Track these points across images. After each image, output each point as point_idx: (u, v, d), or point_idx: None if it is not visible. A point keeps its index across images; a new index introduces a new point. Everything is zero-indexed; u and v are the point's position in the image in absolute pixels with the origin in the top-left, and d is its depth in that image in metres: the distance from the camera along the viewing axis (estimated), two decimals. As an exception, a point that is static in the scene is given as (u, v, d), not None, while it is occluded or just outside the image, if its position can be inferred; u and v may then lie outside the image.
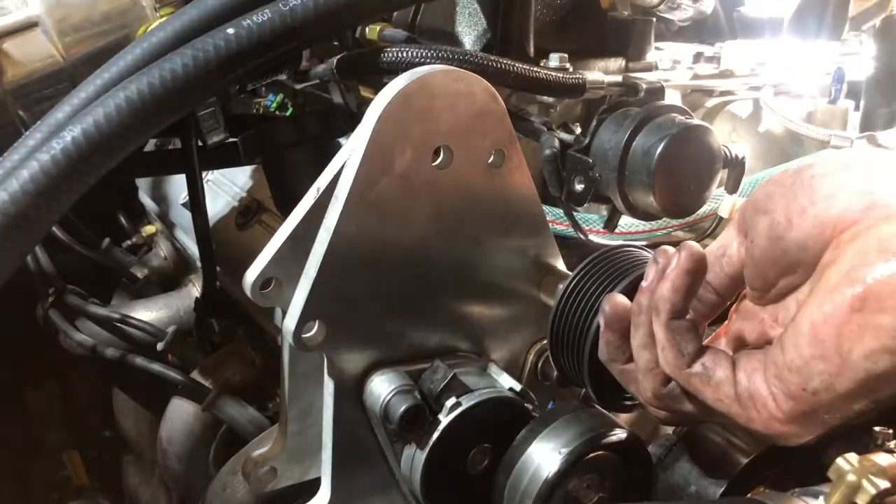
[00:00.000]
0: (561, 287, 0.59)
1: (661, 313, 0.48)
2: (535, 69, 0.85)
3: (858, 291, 0.40)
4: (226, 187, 1.16)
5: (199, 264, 1.09)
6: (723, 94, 1.09)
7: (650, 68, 1.01)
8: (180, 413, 1.08)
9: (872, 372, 0.40)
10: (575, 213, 0.85)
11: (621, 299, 0.52)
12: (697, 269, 0.48)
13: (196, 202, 0.93)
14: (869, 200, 0.43)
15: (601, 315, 0.53)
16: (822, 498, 0.50)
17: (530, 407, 0.60)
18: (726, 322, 0.55)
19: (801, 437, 0.46)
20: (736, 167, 0.87)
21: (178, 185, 1.27)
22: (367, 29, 0.87)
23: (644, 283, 0.50)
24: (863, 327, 0.40)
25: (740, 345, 0.52)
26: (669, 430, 0.65)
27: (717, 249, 0.51)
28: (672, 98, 0.97)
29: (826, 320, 0.41)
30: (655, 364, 0.49)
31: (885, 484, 0.45)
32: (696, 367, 0.47)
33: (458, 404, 0.55)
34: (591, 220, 0.91)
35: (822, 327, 0.41)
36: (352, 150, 0.53)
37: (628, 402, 0.60)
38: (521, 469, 0.55)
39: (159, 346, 1.10)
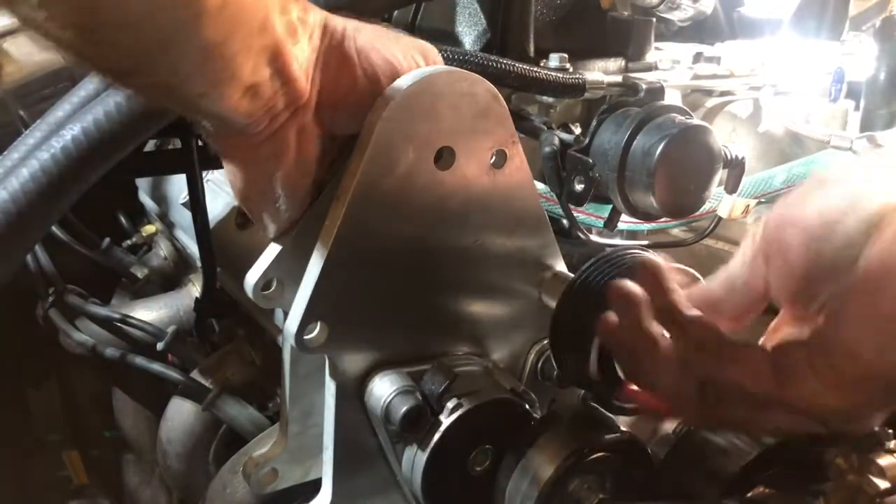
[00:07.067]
0: (564, 287, 0.59)
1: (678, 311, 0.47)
2: (536, 69, 0.86)
3: None
4: (226, 187, 1.15)
5: (199, 264, 1.08)
6: (723, 94, 1.10)
7: (650, 68, 1.01)
8: (180, 413, 1.08)
9: None
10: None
11: (628, 288, 0.50)
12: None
13: (196, 202, 0.93)
14: None
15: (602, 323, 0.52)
16: (822, 498, 0.50)
17: (530, 408, 0.60)
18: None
19: (848, 413, 0.44)
20: (736, 167, 0.87)
21: (178, 185, 1.27)
22: (367, 29, 0.87)
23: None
24: None
25: None
26: (669, 430, 0.65)
27: (728, 280, 0.49)
28: (672, 98, 0.97)
29: (878, 283, 0.40)
30: (681, 374, 0.48)
31: (884, 484, 0.46)
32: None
33: (459, 405, 0.55)
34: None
35: (875, 293, 0.40)
36: (354, 149, 0.53)
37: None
38: (522, 470, 0.55)
39: (159, 346, 1.10)
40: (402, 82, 0.51)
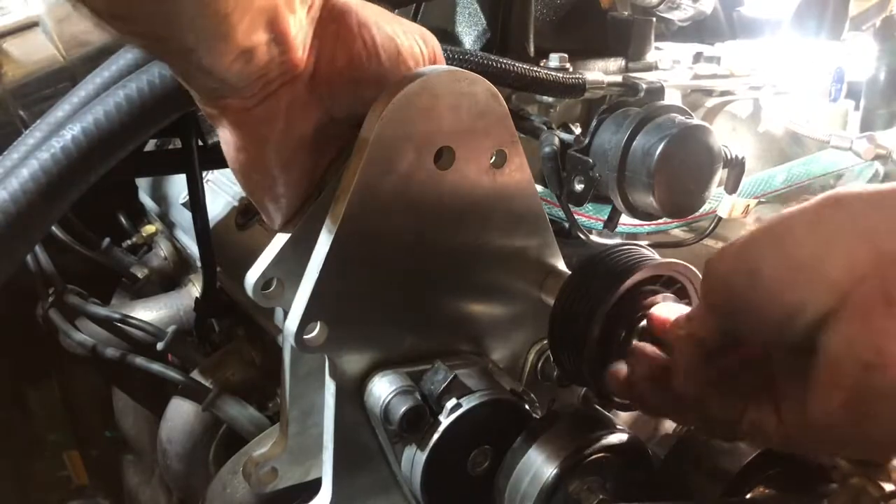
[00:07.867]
0: (562, 284, 0.59)
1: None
2: (536, 69, 0.86)
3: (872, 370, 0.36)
4: (226, 187, 1.15)
5: (199, 264, 1.08)
6: (723, 94, 1.10)
7: (650, 68, 1.02)
8: (180, 413, 1.08)
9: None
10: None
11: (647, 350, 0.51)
12: None
13: (196, 202, 0.93)
14: (870, 259, 0.37)
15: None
16: (825, 500, 0.50)
17: (530, 408, 0.60)
18: None
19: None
20: (736, 167, 0.88)
21: (178, 185, 1.27)
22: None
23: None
24: (881, 405, 0.37)
25: None
26: (670, 430, 0.65)
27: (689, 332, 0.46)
28: (672, 98, 0.97)
29: (839, 404, 0.38)
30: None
31: (889, 486, 0.45)
32: (745, 426, 0.45)
33: (458, 405, 0.55)
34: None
35: (837, 412, 0.38)
36: (354, 149, 0.53)
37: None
38: (522, 471, 0.55)
39: (159, 346, 1.10)
40: (402, 82, 0.51)
